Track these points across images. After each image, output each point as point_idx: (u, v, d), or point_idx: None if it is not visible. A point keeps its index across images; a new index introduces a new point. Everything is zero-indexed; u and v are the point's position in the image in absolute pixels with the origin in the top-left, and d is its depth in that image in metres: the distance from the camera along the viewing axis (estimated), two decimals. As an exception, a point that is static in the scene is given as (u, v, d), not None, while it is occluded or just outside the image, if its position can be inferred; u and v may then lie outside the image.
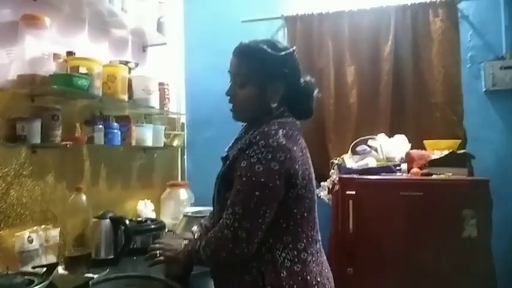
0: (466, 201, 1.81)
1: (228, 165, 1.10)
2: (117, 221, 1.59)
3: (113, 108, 1.92)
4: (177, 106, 2.71)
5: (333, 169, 2.18)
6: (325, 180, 2.19)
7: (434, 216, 1.82)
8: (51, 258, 1.44)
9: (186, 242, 1.22)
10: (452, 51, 2.28)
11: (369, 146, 2.20)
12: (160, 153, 2.40)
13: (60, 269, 1.33)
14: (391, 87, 2.35)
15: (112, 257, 1.55)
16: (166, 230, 1.92)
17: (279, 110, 1.14)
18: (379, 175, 1.99)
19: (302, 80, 1.18)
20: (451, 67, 2.27)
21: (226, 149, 1.21)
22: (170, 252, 1.20)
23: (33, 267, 1.22)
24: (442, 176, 1.93)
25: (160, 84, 2.18)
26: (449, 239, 1.79)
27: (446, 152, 2.01)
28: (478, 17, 2.35)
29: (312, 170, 1.15)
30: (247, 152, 1.04)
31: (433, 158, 2.01)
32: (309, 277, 1.06)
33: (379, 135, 2.22)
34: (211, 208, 1.26)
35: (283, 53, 1.12)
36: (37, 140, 1.43)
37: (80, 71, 1.55)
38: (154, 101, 2.06)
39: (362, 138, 2.24)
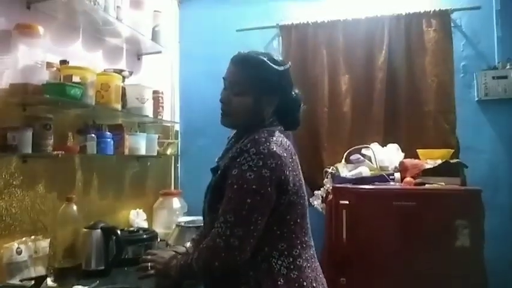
0: (458, 211, 1.82)
1: (219, 175, 1.09)
2: (108, 231, 1.58)
3: (106, 117, 1.91)
4: (171, 114, 2.71)
5: (327, 178, 2.18)
6: (319, 189, 2.19)
7: (427, 226, 1.82)
8: (40, 270, 1.42)
9: (178, 256, 1.20)
10: (445, 60, 2.30)
11: (363, 155, 2.20)
12: (153, 162, 2.39)
13: (49, 281, 1.32)
14: (385, 95, 2.36)
15: (103, 267, 1.53)
16: (159, 240, 1.90)
17: (269, 120, 1.16)
18: (372, 184, 1.99)
19: (293, 93, 1.20)
20: (444, 76, 2.29)
21: (216, 160, 1.21)
22: (162, 266, 1.18)
23: (21, 280, 1.21)
24: (435, 186, 1.93)
25: (155, 92, 2.18)
26: (442, 248, 1.79)
27: (439, 162, 2.01)
28: (471, 27, 2.37)
29: (302, 176, 1.16)
30: (238, 160, 1.04)
31: (426, 167, 2.01)
32: (305, 283, 1.05)
33: (372, 144, 2.22)
34: (203, 218, 1.25)
35: (282, 68, 1.14)
36: (28, 149, 1.42)
37: (73, 80, 1.54)
38: (148, 110, 2.06)
39: (356, 147, 2.25)
